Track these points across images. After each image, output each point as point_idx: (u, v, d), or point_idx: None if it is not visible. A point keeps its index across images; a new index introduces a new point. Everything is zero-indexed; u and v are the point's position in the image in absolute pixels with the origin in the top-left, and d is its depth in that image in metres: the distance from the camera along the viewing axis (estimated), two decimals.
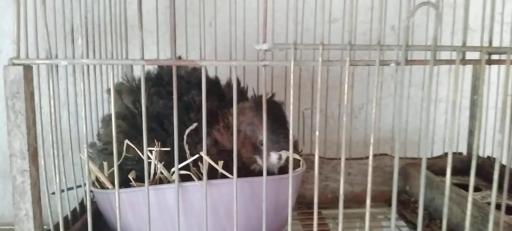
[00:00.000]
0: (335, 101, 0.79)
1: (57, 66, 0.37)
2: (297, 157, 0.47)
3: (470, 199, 0.37)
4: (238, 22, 0.72)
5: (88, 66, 0.48)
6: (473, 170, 0.38)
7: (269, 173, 0.43)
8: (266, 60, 0.34)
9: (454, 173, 0.73)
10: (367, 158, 0.76)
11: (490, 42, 0.35)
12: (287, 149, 0.45)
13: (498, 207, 0.60)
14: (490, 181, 0.71)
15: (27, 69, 0.33)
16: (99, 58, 0.49)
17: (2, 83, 0.79)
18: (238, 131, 0.43)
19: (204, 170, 0.36)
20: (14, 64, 0.33)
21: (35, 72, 0.37)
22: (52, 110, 0.36)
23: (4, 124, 0.80)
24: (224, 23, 0.74)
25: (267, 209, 0.38)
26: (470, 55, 0.35)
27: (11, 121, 0.33)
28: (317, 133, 0.34)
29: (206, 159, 0.36)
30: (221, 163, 0.39)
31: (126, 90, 0.46)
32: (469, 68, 0.76)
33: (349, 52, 0.32)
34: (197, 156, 0.39)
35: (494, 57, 0.36)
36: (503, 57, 0.35)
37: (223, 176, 0.39)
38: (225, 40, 0.73)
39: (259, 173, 0.39)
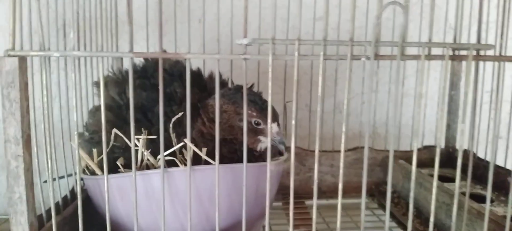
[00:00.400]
0: (315, 98, 0.81)
1: (49, 58, 0.39)
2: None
3: (434, 184, 0.40)
4: (226, 19, 0.75)
5: (79, 58, 0.50)
6: (437, 161, 0.41)
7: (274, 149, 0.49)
8: (247, 54, 0.36)
9: (432, 164, 0.77)
10: (349, 150, 0.79)
11: (454, 39, 0.38)
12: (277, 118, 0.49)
13: (472, 196, 0.64)
14: (466, 172, 0.75)
15: (22, 60, 0.36)
16: (89, 51, 0.51)
17: None
18: (230, 125, 0.46)
19: (188, 157, 0.38)
20: (9, 55, 0.35)
21: (28, 64, 0.39)
22: (45, 100, 0.38)
23: None
24: (213, 20, 0.77)
25: (248, 195, 0.40)
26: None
27: (6, 109, 0.35)
28: (293, 122, 0.37)
29: (191, 146, 0.39)
30: (204, 149, 0.42)
31: (112, 82, 0.48)
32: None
33: (324, 47, 0.35)
34: (181, 144, 0.41)
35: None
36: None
37: (208, 163, 0.42)
38: (214, 36, 0.75)
39: (265, 152, 0.42)
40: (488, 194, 0.45)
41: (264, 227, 0.69)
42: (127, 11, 0.35)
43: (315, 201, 0.39)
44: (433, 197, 0.41)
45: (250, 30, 0.78)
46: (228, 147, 0.46)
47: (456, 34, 0.37)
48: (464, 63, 0.76)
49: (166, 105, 0.44)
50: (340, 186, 0.39)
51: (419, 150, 0.80)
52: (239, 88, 0.49)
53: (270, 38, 0.35)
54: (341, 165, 0.39)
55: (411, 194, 0.40)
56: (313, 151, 0.77)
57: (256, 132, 0.47)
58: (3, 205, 0.87)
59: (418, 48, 0.37)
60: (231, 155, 0.45)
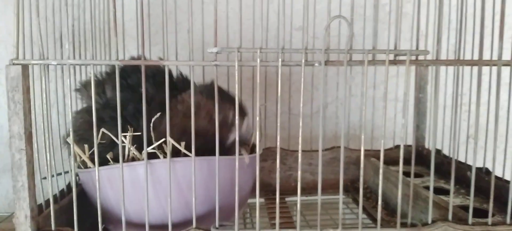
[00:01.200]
0: (299, 101, 0.88)
1: (48, 66, 0.45)
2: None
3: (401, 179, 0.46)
4: (211, 29, 0.81)
5: (74, 67, 0.56)
6: (401, 159, 0.47)
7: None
8: (217, 61, 0.43)
9: (403, 162, 0.83)
10: (326, 150, 0.85)
11: (395, 46, 0.44)
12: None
13: (436, 189, 0.70)
14: (436, 169, 0.81)
15: (24, 68, 0.42)
16: (83, 59, 0.57)
17: None
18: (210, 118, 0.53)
19: (168, 150, 0.44)
20: (14, 64, 0.42)
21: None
22: (44, 102, 0.44)
23: None
24: (199, 30, 0.83)
25: (224, 185, 0.46)
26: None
27: (11, 109, 0.42)
28: (257, 118, 0.43)
29: (170, 141, 0.45)
30: (183, 143, 0.48)
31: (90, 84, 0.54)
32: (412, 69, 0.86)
33: (279, 54, 0.41)
34: (163, 140, 0.47)
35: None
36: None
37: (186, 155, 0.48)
38: (200, 45, 0.82)
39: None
40: (431, 181, 0.51)
41: (244, 214, 0.75)
42: (113, 25, 0.41)
43: (298, 200, 0.45)
44: (399, 191, 0.47)
45: (234, 38, 0.84)
46: (200, 139, 0.52)
47: (396, 42, 0.43)
48: (429, 68, 0.83)
49: (139, 104, 0.50)
50: (319, 185, 0.45)
51: (390, 149, 0.87)
52: (212, 87, 0.55)
53: (236, 47, 0.42)
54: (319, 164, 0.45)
55: (380, 191, 0.46)
56: (293, 151, 0.84)
57: (229, 127, 0.53)
58: (4, 205, 0.93)
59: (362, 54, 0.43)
60: (204, 147, 0.51)
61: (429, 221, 0.49)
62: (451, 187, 0.51)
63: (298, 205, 0.48)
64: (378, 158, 0.82)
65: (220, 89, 0.54)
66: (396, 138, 0.87)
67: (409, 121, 0.86)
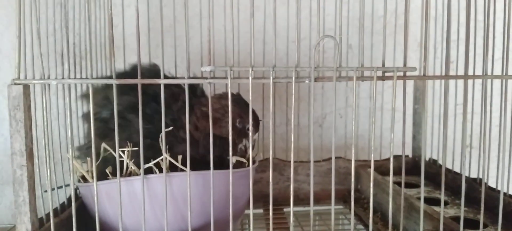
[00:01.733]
0: (296, 113, 0.89)
1: (49, 85, 0.47)
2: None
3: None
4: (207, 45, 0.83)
5: (75, 84, 0.58)
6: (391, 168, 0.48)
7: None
8: (210, 78, 0.44)
9: (399, 172, 0.84)
10: (323, 160, 0.86)
11: (383, 63, 0.46)
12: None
13: (431, 200, 0.71)
14: (430, 180, 0.82)
15: (26, 87, 0.44)
16: (81, 78, 0.59)
17: (1, 104, 0.89)
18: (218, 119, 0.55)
19: (164, 166, 0.46)
20: (15, 84, 0.43)
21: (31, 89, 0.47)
22: (45, 119, 0.46)
23: (1, 135, 0.90)
24: (197, 45, 0.85)
25: (219, 199, 0.48)
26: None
27: (12, 127, 0.43)
28: (250, 133, 0.44)
29: (167, 157, 0.47)
30: (180, 157, 0.49)
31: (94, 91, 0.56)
32: (410, 83, 0.87)
33: (271, 72, 0.43)
34: (161, 158, 0.48)
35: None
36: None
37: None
38: (198, 58, 0.84)
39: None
40: (422, 190, 0.52)
41: (242, 225, 0.76)
42: (110, 46, 0.43)
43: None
44: (390, 199, 0.48)
45: (230, 56, 0.86)
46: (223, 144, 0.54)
47: (384, 59, 0.45)
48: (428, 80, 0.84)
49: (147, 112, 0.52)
50: (311, 194, 0.46)
51: (387, 159, 0.88)
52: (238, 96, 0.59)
53: (229, 66, 0.43)
54: (312, 172, 0.46)
55: (371, 198, 0.47)
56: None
57: (244, 135, 0.56)
58: (7, 216, 0.94)
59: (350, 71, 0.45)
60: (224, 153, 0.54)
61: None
62: (442, 196, 0.52)
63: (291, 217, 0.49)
64: (376, 169, 0.84)
65: (240, 99, 0.58)
66: (393, 149, 0.88)
67: (406, 132, 0.87)
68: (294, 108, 0.89)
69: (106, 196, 0.49)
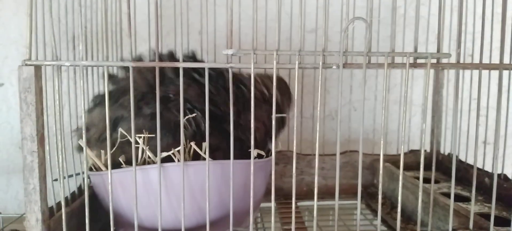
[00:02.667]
0: (311, 104, 0.87)
1: (61, 67, 0.44)
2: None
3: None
4: (223, 31, 0.81)
5: (86, 67, 0.55)
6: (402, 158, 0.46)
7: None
8: (232, 63, 0.42)
9: (417, 168, 0.81)
10: (339, 153, 0.83)
11: (415, 48, 0.43)
12: None
13: (449, 195, 0.68)
14: (449, 175, 0.79)
15: (37, 69, 0.41)
16: (96, 61, 0.57)
17: (6, 92, 0.87)
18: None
19: (181, 154, 0.43)
20: (26, 64, 0.41)
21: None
22: (57, 104, 0.44)
23: (8, 123, 0.88)
24: (210, 32, 0.82)
25: (237, 191, 0.45)
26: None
27: (23, 110, 0.41)
28: (273, 122, 0.42)
29: (192, 145, 0.44)
30: (204, 145, 0.47)
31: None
32: (432, 73, 0.85)
33: (297, 56, 0.40)
34: (178, 148, 0.46)
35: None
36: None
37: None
38: (212, 47, 0.81)
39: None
40: (452, 189, 0.49)
41: (256, 218, 0.74)
42: (128, 26, 0.40)
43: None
44: (400, 196, 0.45)
45: (246, 41, 0.84)
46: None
47: (416, 44, 0.42)
48: (445, 71, 0.81)
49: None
50: (316, 189, 0.43)
51: (405, 153, 0.85)
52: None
53: (251, 49, 0.41)
54: (317, 168, 0.43)
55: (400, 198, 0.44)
56: (305, 155, 0.83)
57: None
58: (13, 206, 0.92)
59: (382, 56, 0.42)
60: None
61: (450, 230, 0.48)
62: (472, 194, 0.49)
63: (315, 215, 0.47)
64: (392, 163, 0.82)
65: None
66: (410, 143, 0.86)
67: (425, 125, 0.84)
68: (307, 99, 0.88)
69: (119, 186, 0.47)
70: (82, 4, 0.53)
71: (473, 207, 0.65)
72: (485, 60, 0.65)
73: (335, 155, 0.84)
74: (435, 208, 0.61)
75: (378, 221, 0.45)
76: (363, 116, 0.42)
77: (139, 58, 0.52)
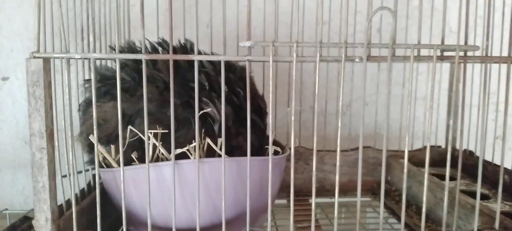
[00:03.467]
0: (323, 98, 0.84)
1: (69, 59, 0.42)
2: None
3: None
4: (232, 24, 0.78)
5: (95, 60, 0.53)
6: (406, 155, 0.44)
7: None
8: (249, 56, 0.40)
9: (433, 164, 0.79)
10: (351, 150, 0.82)
11: (442, 40, 0.41)
12: None
13: (470, 193, 0.66)
14: (466, 172, 0.77)
15: (46, 61, 0.39)
16: (107, 53, 0.55)
17: (11, 86, 0.85)
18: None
19: (196, 151, 0.42)
20: (34, 57, 0.39)
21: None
22: (66, 98, 0.42)
23: (13, 118, 0.87)
24: (219, 25, 0.80)
25: (253, 187, 0.43)
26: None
27: (31, 105, 0.39)
28: (292, 117, 0.40)
29: (208, 141, 0.43)
30: (220, 141, 0.45)
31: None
32: (446, 67, 0.82)
33: (319, 49, 0.38)
34: (193, 145, 0.44)
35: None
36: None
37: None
38: (221, 40, 0.79)
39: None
40: (478, 188, 0.47)
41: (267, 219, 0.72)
42: (141, 18, 0.38)
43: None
44: (425, 194, 0.44)
45: (255, 34, 0.81)
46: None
47: (444, 35, 0.40)
48: (462, 64, 0.79)
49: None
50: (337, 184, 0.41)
51: (419, 149, 0.83)
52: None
53: (270, 41, 0.39)
54: (338, 164, 0.42)
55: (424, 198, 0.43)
56: (318, 151, 0.81)
57: None
58: (20, 201, 0.91)
59: (407, 49, 0.40)
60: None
61: (475, 230, 0.46)
62: (499, 194, 0.47)
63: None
64: (408, 159, 0.80)
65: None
66: (425, 138, 0.83)
67: (440, 121, 0.82)
68: (320, 94, 0.85)
69: (132, 183, 0.45)
70: None
71: (496, 206, 0.63)
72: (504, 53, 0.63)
73: (348, 150, 0.83)
74: (454, 206, 0.59)
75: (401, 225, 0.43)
76: (388, 110, 0.39)
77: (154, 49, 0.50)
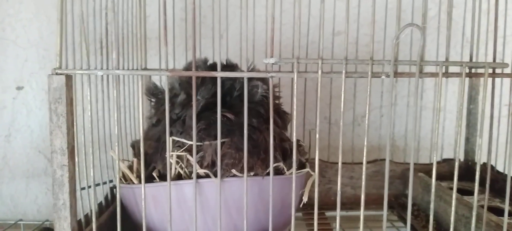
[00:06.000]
0: (339, 109, 0.83)
1: (89, 75, 0.42)
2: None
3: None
4: (248, 35, 0.78)
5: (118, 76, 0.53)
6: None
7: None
8: (272, 72, 0.39)
9: (451, 177, 0.77)
10: (369, 162, 0.80)
11: (471, 57, 0.40)
12: None
13: (491, 209, 0.64)
14: (485, 186, 0.75)
15: (68, 78, 0.39)
16: (129, 69, 0.55)
17: (26, 95, 0.85)
18: None
19: (218, 170, 0.41)
20: (57, 73, 0.39)
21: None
22: (88, 114, 0.41)
23: (28, 127, 0.87)
24: (235, 36, 0.80)
25: (273, 206, 0.43)
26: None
27: (53, 122, 0.39)
28: (316, 135, 0.39)
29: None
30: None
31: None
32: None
33: (345, 65, 0.37)
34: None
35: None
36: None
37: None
38: (236, 52, 0.78)
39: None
40: (506, 206, 0.46)
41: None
42: (163, 33, 0.38)
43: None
44: (453, 209, 0.42)
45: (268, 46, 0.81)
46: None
47: (472, 51, 0.39)
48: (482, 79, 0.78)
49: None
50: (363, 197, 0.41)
51: (438, 163, 0.81)
52: None
53: (294, 58, 0.38)
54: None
55: (431, 206, 0.41)
56: (333, 163, 0.80)
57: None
58: (33, 211, 0.91)
59: (435, 66, 0.39)
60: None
61: None
62: (506, 206, 0.45)
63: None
64: (425, 172, 0.78)
65: None
66: (443, 152, 0.82)
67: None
68: (334, 104, 0.84)
69: (152, 200, 0.45)
70: (109, 9, 0.51)
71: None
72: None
73: (362, 163, 0.81)
74: (478, 224, 0.58)
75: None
76: (416, 126, 0.38)
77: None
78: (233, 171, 0.44)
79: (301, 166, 0.55)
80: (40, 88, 0.86)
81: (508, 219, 0.60)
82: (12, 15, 0.84)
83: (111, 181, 0.56)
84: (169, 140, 0.40)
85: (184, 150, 0.44)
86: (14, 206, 0.90)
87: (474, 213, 0.43)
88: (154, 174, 0.45)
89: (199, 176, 0.42)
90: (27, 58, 0.86)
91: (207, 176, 0.43)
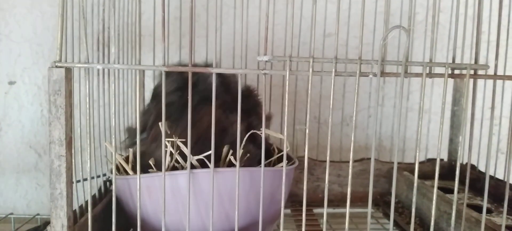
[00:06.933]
0: (328, 109, 0.86)
1: (88, 69, 0.43)
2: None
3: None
4: (241, 35, 0.80)
5: (117, 71, 0.54)
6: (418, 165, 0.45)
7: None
8: (266, 70, 0.41)
9: (435, 176, 0.80)
10: (356, 161, 0.83)
11: (453, 59, 0.42)
12: None
13: (473, 207, 0.67)
14: (469, 185, 0.78)
15: (68, 71, 0.40)
16: (128, 64, 0.56)
17: (18, 90, 0.85)
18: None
19: (212, 160, 0.42)
20: (57, 66, 0.40)
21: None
22: (87, 107, 0.43)
23: (19, 122, 0.87)
24: (228, 35, 0.81)
25: (264, 198, 0.44)
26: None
27: (52, 113, 0.40)
28: (306, 131, 0.41)
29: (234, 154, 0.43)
30: (225, 149, 0.45)
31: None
32: (450, 81, 0.84)
33: (335, 64, 0.39)
34: (207, 153, 0.45)
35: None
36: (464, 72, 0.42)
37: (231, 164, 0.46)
38: (229, 50, 0.80)
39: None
40: (485, 202, 0.48)
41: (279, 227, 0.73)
42: (161, 29, 0.39)
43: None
44: (434, 205, 0.45)
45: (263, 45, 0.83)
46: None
47: (455, 53, 0.41)
48: (464, 80, 0.80)
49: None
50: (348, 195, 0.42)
51: (422, 162, 0.84)
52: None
53: (287, 56, 0.40)
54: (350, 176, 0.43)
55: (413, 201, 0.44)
56: (322, 161, 0.82)
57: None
58: (22, 206, 0.91)
59: (421, 66, 0.41)
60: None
61: None
62: (505, 208, 0.48)
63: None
64: (410, 171, 0.81)
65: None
66: (428, 152, 0.85)
67: (443, 135, 0.83)
68: (324, 104, 0.86)
69: (146, 191, 0.46)
70: (106, 5, 0.53)
71: (499, 219, 0.64)
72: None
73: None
74: (458, 219, 0.60)
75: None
76: (376, 127, 0.41)
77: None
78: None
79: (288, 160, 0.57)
80: (32, 83, 0.87)
81: (487, 215, 0.63)
82: (6, 9, 0.85)
83: (104, 175, 0.57)
84: (164, 134, 0.41)
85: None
86: (4, 201, 0.90)
87: (454, 208, 0.45)
88: (151, 162, 0.46)
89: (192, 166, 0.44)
90: (20, 53, 0.87)
91: (201, 166, 0.45)
